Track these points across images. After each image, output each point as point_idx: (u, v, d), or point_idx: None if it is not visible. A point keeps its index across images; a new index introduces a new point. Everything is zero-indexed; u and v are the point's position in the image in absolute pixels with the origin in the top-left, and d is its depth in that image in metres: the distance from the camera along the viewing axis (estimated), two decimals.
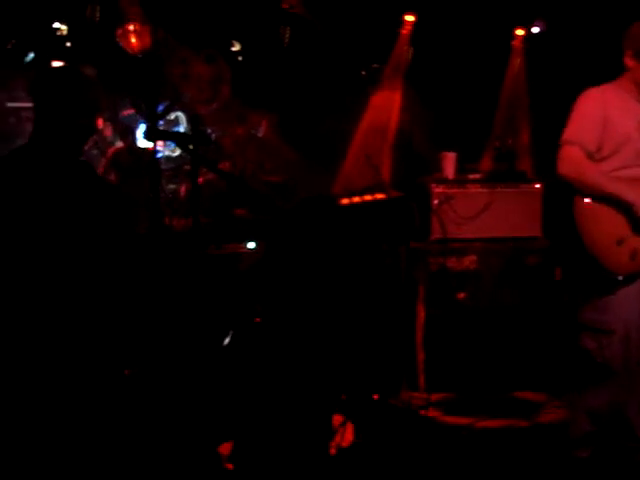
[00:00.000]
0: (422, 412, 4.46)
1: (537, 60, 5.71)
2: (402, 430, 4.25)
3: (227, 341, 3.43)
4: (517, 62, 5.81)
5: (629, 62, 3.59)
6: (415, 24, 5.67)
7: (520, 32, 5.88)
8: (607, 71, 3.92)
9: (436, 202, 4.75)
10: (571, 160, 3.54)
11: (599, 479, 3.70)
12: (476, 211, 4.77)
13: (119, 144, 5.59)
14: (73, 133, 2.81)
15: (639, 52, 3.55)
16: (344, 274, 4.10)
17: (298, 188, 5.11)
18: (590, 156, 3.53)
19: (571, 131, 3.56)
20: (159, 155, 5.46)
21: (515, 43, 5.87)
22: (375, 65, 5.57)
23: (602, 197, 3.50)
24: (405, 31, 5.63)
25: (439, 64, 5.71)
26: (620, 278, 3.51)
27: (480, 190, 4.86)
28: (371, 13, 5.50)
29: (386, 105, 5.42)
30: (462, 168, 5.08)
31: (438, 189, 4.80)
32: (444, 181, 4.88)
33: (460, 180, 4.91)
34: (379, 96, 5.47)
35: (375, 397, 4.36)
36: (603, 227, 3.51)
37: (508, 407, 4.50)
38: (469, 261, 4.77)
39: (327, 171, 5.31)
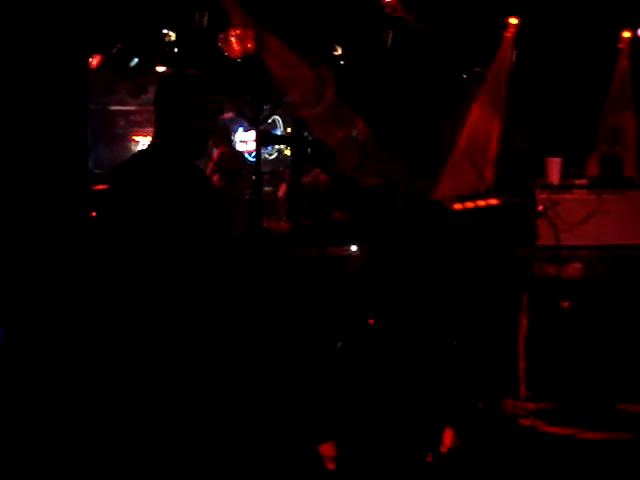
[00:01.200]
0: (523, 421, 4.41)
1: None
2: (502, 438, 4.21)
3: (340, 344, 3.45)
4: (623, 65, 5.67)
5: None
6: (519, 27, 5.60)
7: (627, 34, 5.75)
8: None
9: (541, 208, 4.66)
10: None
11: None
12: (582, 217, 4.65)
13: (220, 147, 5.72)
14: (191, 137, 2.88)
15: None
16: (455, 280, 4.07)
17: (398, 191, 5.10)
18: None
19: None
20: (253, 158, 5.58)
21: (622, 45, 5.73)
22: (477, 69, 5.53)
23: None
24: (509, 34, 5.57)
25: (543, 67, 5.62)
26: None
27: (586, 196, 4.74)
28: (475, 16, 5.46)
29: (489, 109, 5.36)
30: (566, 173, 4.98)
31: (543, 195, 4.71)
32: (549, 187, 4.79)
33: (565, 186, 4.81)
34: (482, 100, 5.42)
35: (479, 405, 4.33)
36: None
37: (611, 419, 4.37)
38: (574, 269, 4.67)
39: (428, 174, 5.29)
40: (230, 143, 5.69)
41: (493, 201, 4.22)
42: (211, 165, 5.35)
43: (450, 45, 5.49)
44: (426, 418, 3.63)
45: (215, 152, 5.47)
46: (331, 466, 3.65)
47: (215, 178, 5.37)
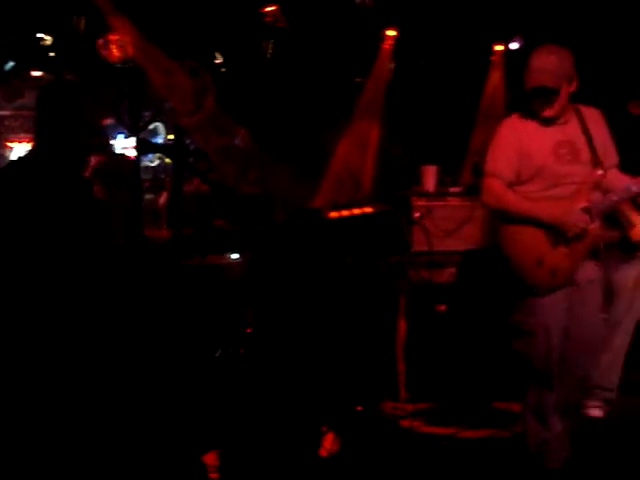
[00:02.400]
0: (403, 423, 4.50)
1: (516, 75, 5.80)
2: (383, 440, 4.27)
3: (219, 352, 3.45)
4: (496, 77, 5.90)
5: None
6: (397, 39, 5.74)
7: (499, 47, 5.98)
8: (585, 86, 4.04)
9: (417, 215, 4.81)
10: (493, 191, 3.79)
11: None
12: (456, 224, 4.84)
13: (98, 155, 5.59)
14: (72, 147, 2.83)
15: None
16: (332, 287, 4.13)
17: (279, 200, 5.14)
18: (511, 184, 3.76)
19: (490, 163, 3.81)
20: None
21: (494, 58, 5.96)
22: (357, 79, 5.64)
23: (523, 221, 3.71)
24: (387, 46, 5.69)
25: (420, 78, 5.79)
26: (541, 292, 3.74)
27: (460, 203, 4.93)
28: (353, 28, 5.56)
29: (367, 119, 5.48)
30: (442, 181, 5.15)
31: (419, 202, 4.86)
32: (425, 194, 4.95)
33: (441, 193, 4.99)
34: (361, 110, 5.53)
35: (358, 408, 4.40)
36: (524, 249, 3.72)
37: (489, 417, 4.54)
38: (449, 273, 4.84)
39: (309, 183, 5.35)
40: (108, 150, 5.56)
41: (368, 209, 4.31)
42: (89, 173, 5.23)
43: (330, 56, 5.58)
44: (305, 423, 3.67)
45: (92, 160, 5.34)
46: (215, 476, 3.63)
47: (96, 188, 5.26)
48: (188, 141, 5.65)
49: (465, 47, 5.88)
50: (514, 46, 5.93)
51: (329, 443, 3.99)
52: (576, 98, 3.81)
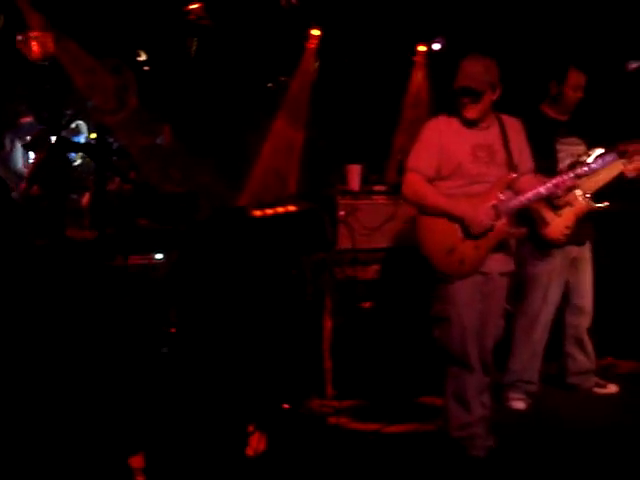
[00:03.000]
0: (330, 419, 4.52)
1: (439, 76, 5.90)
2: (310, 438, 4.29)
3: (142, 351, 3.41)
4: (419, 77, 5.99)
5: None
6: (321, 38, 5.77)
7: (422, 48, 6.07)
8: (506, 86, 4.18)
9: (342, 213, 4.85)
10: (412, 185, 4.05)
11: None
12: (381, 222, 4.89)
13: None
14: None
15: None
16: (256, 285, 4.13)
17: (204, 199, 5.10)
18: (430, 179, 4.02)
19: (412, 159, 4.07)
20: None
21: (417, 59, 6.05)
22: (282, 78, 5.64)
23: (438, 214, 3.99)
24: (311, 45, 5.71)
25: (344, 78, 5.83)
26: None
27: (385, 201, 4.98)
28: (278, 27, 5.57)
29: (292, 118, 5.49)
30: (367, 180, 5.19)
31: (344, 200, 4.90)
32: (349, 193, 4.99)
33: (365, 192, 5.03)
34: (286, 108, 5.54)
35: (285, 406, 4.41)
36: (437, 239, 4.01)
37: (414, 412, 4.60)
38: (374, 270, 4.89)
39: (234, 182, 5.33)
40: (45, 149, 5.41)
41: (292, 208, 4.34)
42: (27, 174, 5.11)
43: (255, 54, 5.57)
44: (230, 422, 3.66)
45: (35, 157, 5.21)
46: (141, 479, 3.59)
47: (34, 188, 5.14)
48: (111, 140, 5.55)
49: (389, 47, 5.95)
50: (437, 47, 6.02)
51: (255, 442, 3.99)
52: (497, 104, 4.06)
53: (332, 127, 5.56)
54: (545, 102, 4.89)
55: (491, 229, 3.96)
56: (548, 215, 4.67)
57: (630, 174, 4.68)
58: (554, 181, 4.06)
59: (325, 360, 4.82)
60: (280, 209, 4.20)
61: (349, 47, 5.90)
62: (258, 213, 4.12)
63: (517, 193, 4.03)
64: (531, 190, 4.03)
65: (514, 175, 4.00)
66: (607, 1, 5.72)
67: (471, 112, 3.99)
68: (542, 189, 4.04)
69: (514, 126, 4.12)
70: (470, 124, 4.03)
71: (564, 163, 4.66)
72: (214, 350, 3.69)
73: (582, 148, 4.75)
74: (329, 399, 4.77)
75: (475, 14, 5.84)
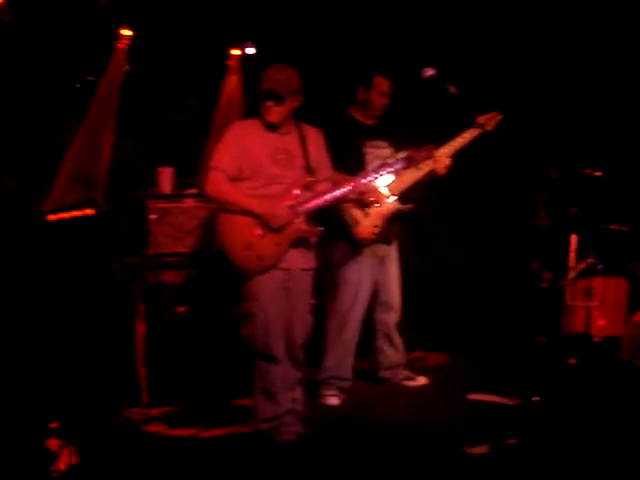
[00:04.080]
0: (145, 427, 4.45)
1: (253, 80, 5.93)
2: (125, 448, 4.20)
3: None
4: (232, 81, 5.99)
5: None
6: (132, 38, 5.63)
7: (236, 52, 6.07)
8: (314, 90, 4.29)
9: (153, 217, 4.77)
10: (214, 183, 4.18)
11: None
12: (193, 225, 4.86)
13: None
14: None
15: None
16: (58, 291, 3.99)
17: (10, 204, 4.86)
18: (232, 179, 4.17)
19: (216, 158, 4.22)
20: None
21: (231, 62, 6.04)
22: (91, 78, 5.46)
23: (238, 212, 4.13)
24: (122, 45, 5.57)
25: (155, 79, 5.74)
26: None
27: (197, 205, 4.94)
28: (87, 26, 5.39)
29: (101, 119, 5.32)
30: (180, 183, 5.14)
31: (155, 204, 4.83)
32: (161, 196, 4.92)
33: (177, 195, 4.98)
34: (94, 109, 5.37)
35: (101, 416, 4.31)
36: (236, 236, 4.15)
37: (230, 415, 4.60)
38: (187, 274, 4.84)
39: (42, 187, 5.10)
40: None
41: (89, 211, 4.25)
42: None
43: (62, 53, 5.36)
44: (26, 436, 3.50)
45: None
46: None
47: None
48: None
49: (203, 49, 5.91)
50: (251, 51, 6.04)
51: (67, 456, 3.85)
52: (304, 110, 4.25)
53: (143, 129, 5.45)
54: (353, 106, 5.04)
55: (288, 226, 4.12)
56: (357, 215, 4.82)
57: (441, 172, 4.92)
58: (348, 185, 4.24)
59: (139, 367, 4.72)
60: (76, 213, 4.09)
61: (161, 48, 5.80)
62: (52, 217, 4.01)
63: (314, 196, 4.21)
64: (327, 192, 4.22)
65: (310, 178, 4.21)
66: (412, 10, 5.99)
67: (273, 116, 4.18)
68: (337, 192, 4.23)
69: (314, 135, 4.36)
70: (272, 128, 4.23)
71: (372, 166, 4.83)
72: (12, 361, 3.51)
73: (389, 151, 4.95)
74: (144, 407, 4.68)
75: (287, 20, 5.94)
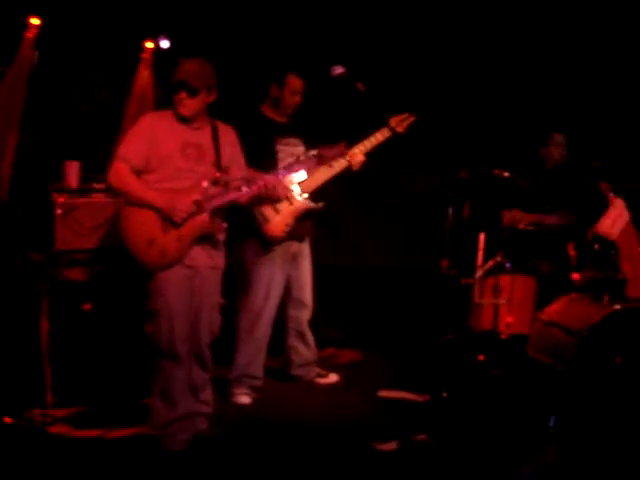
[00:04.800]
0: (52, 429, 4.34)
1: (166, 74, 5.83)
2: (31, 450, 4.08)
3: None
4: (145, 74, 5.87)
5: None
6: (41, 28, 5.47)
7: (149, 45, 5.96)
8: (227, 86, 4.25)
9: (59, 212, 4.63)
10: (118, 173, 4.09)
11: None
12: (101, 221, 4.73)
13: None
14: None
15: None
16: None
17: None
18: (137, 170, 4.08)
19: (122, 148, 4.13)
20: None
21: (144, 55, 5.93)
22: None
23: (141, 205, 4.04)
24: (30, 34, 5.39)
25: (66, 70, 5.60)
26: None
27: (105, 200, 4.81)
28: None
29: (7, 111, 5.14)
30: (89, 178, 5.00)
31: (61, 199, 4.68)
32: (67, 190, 4.78)
33: (84, 190, 4.85)
34: (1, 99, 5.18)
35: (6, 419, 4.21)
36: (138, 229, 4.05)
37: (137, 415, 4.51)
38: (94, 271, 4.72)
39: None
40: None
41: None
42: None
43: None
44: None
45: None
46: None
47: None
48: None
49: (115, 41, 5.78)
50: (164, 45, 5.94)
51: None
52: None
53: (51, 122, 5.29)
54: (265, 103, 5.02)
55: (191, 221, 4.04)
56: (269, 213, 4.80)
57: (356, 168, 4.94)
58: (258, 182, 4.18)
59: (44, 367, 4.59)
60: None
61: (72, 38, 5.65)
62: None
63: (222, 192, 4.14)
64: (234, 189, 4.15)
65: (219, 174, 4.14)
66: (327, 8, 6.00)
67: (185, 108, 4.11)
68: (246, 190, 4.15)
69: (227, 132, 4.31)
70: (184, 121, 4.15)
71: (283, 163, 4.82)
72: None
73: (301, 149, 4.94)
74: (50, 408, 4.56)
75: (202, 14, 5.87)
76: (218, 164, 4.17)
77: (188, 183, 4.09)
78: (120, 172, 4.08)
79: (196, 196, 4.06)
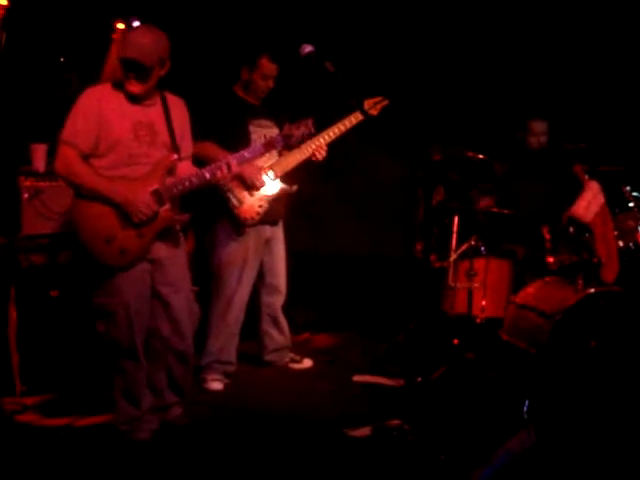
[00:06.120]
0: (20, 417, 4.27)
1: None
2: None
3: None
4: (116, 55, 5.76)
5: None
6: (8, 9, 5.35)
7: (121, 25, 5.86)
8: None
9: (25, 196, 4.54)
10: (65, 160, 3.70)
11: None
12: (67, 205, 4.63)
13: None
14: None
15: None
16: None
17: None
18: (85, 156, 3.70)
19: (67, 131, 3.72)
20: None
21: (115, 36, 5.83)
22: None
23: (95, 197, 3.68)
24: None
25: (33, 51, 5.49)
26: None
27: None
28: None
29: None
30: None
31: (28, 182, 4.59)
32: (34, 174, 4.68)
33: (52, 173, 4.74)
34: None
35: None
36: (94, 226, 3.70)
37: (106, 402, 4.43)
38: (63, 257, 4.63)
39: None
40: None
41: None
42: None
43: None
44: None
45: None
46: None
47: None
48: None
49: (85, 22, 5.68)
50: (136, 25, 5.84)
51: None
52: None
53: (19, 104, 5.18)
54: (237, 85, 4.93)
55: (154, 217, 3.75)
56: (241, 195, 4.72)
57: (319, 156, 4.87)
58: (215, 166, 3.91)
59: (12, 354, 4.51)
60: None
61: (41, 19, 5.54)
62: None
63: (177, 178, 3.86)
64: (195, 174, 3.86)
65: (175, 157, 3.83)
66: None
67: (136, 87, 3.73)
68: (206, 173, 3.88)
69: (178, 106, 3.95)
70: (133, 99, 3.77)
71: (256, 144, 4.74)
72: None
73: (275, 130, 4.87)
74: (18, 396, 4.49)
75: None
76: (173, 144, 3.84)
77: (143, 170, 3.75)
78: (68, 159, 3.68)
79: (154, 185, 3.76)
